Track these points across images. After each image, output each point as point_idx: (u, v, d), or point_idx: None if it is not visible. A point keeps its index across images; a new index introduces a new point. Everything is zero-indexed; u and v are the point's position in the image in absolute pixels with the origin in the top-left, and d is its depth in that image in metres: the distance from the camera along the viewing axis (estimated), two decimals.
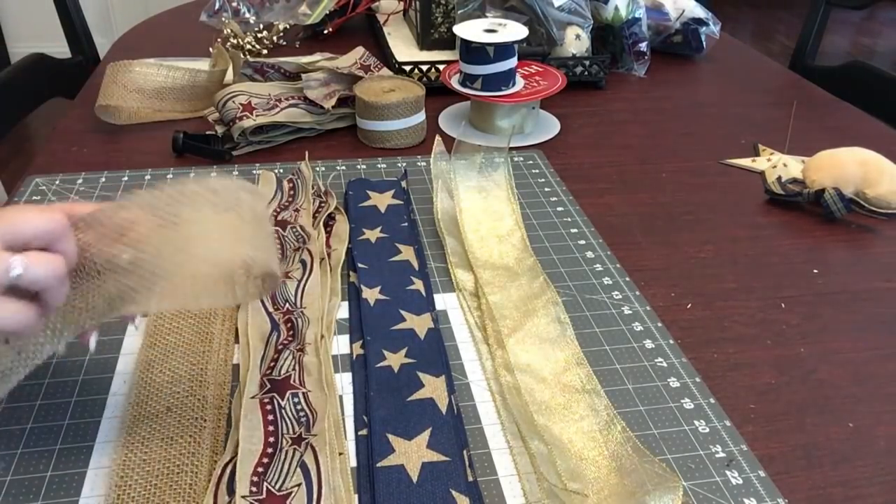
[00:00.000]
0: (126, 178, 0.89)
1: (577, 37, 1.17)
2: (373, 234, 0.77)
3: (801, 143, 1.01)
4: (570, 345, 0.64)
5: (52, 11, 1.40)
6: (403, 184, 0.87)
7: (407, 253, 0.75)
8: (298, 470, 0.50)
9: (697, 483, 0.52)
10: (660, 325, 0.67)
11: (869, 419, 0.58)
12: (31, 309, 0.43)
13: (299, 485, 0.49)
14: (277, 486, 0.49)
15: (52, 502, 0.50)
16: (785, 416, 0.58)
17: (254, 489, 0.49)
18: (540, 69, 1.07)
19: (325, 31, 1.35)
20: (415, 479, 0.51)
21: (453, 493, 0.50)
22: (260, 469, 0.50)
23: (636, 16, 1.23)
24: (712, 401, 0.59)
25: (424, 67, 1.13)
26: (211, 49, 1.18)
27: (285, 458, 0.51)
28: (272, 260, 0.48)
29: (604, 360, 0.63)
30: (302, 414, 0.55)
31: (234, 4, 1.37)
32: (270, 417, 0.54)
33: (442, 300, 0.70)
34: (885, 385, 0.62)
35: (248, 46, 1.28)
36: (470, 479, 0.52)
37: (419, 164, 0.94)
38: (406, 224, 0.79)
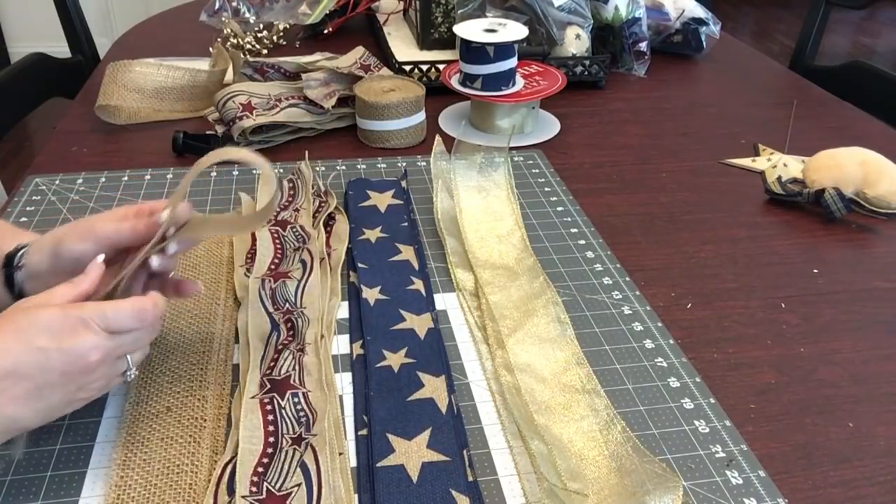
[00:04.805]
0: (126, 178, 0.89)
1: (577, 37, 1.17)
2: (373, 234, 0.77)
3: (801, 143, 1.01)
4: (570, 345, 0.64)
5: (52, 11, 1.40)
6: (403, 184, 0.87)
7: (407, 253, 0.75)
8: (298, 470, 0.50)
9: (697, 483, 0.52)
10: (660, 325, 0.67)
11: (869, 419, 0.58)
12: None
13: (299, 485, 0.49)
14: (277, 486, 0.49)
15: (52, 502, 0.50)
16: (785, 416, 0.58)
17: (254, 489, 0.49)
18: (540, 69, 1.07)
19: (325, 31, 1.35)
20: (415, 479, 0.51)
21: (453, 493, 0.50)
22: (260, 469, 0.50)
23: (636, 16, 1.23)
24: (712, 401, 0.59)
25: (424, 67, 1.13)
26: (211, 49, 1.18)
27: (285, 458, 0.51)
28: None
29: (604, 360, 0.63)
30: (302, 414, 0.55)
31: (234, 4, 1.37)
32: (270, 417, 0.54)
33: (442, 300, 0.70)
34: (885, 385, 0.62)
35: (248, 46, 1.28)
36: (470, 478, 0.52)
37: (419, 164, 0.94)
38: (406, 224, 0.79)
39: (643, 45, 1.24)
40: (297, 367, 0.59)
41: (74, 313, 0.48)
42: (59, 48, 1.39)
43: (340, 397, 0.59)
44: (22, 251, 0.58)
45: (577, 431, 0.56)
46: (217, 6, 1.38)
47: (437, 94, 1.09)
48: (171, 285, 0.59)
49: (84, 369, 0.48)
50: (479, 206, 0.82)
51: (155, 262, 0.55)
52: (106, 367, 0.50)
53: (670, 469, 0.53)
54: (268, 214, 0.60)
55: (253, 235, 0.75)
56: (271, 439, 0.53)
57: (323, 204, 0.80)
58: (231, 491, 0.49)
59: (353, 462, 0.53)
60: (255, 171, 0.90)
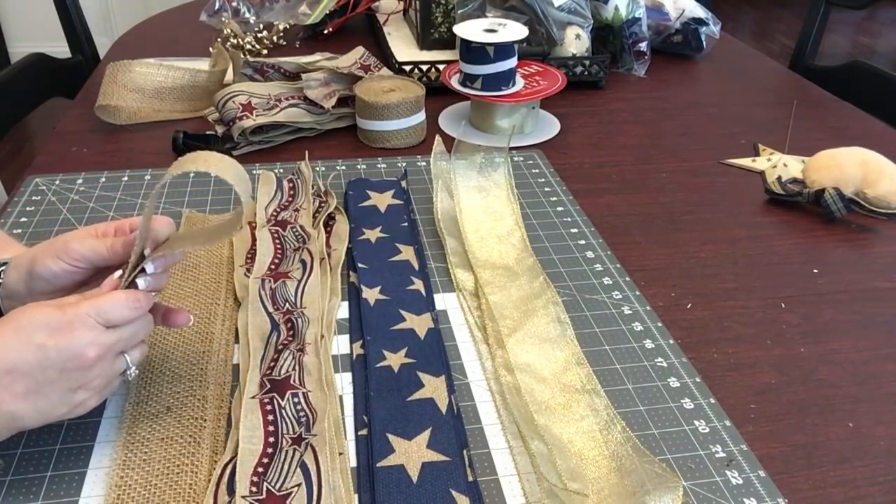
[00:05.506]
0: (126, 178, 0.89)
1: (577, 37, 1.17)
2: (373, 234, 0.77)
3: (801, 143, 1.01)
4: (570, 345, 0.64)
5: (52, 11, 1.40)
6: (403, 184, 0.87)
7: (407, 253, 0.75)
8: (298, 470, 0.50)
9: (697, 483, 0.52)
10: (660, 325, 0.67)
11: (869, 419, 0.58)
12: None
13: (299, 485, 0.49)
14: (277, 486, 0.49)
15: (52, 502, 0.50)
16: (785, 416, 0.58)
17: (254, 489, 0.49)
18: (540, 69, 1.07)
19: (325, 31, 1.35)
20: (415, 479, 0.51)
21: (453, 493, 0.50)
22: (260, 469, 0.50)
23: (636, 16, 1.23)
24: (712, 401, 0.59)
25: (424, 67, 1.13)
26: (211, 49, 1.18)
27: (285, 458, 0.51)
28: None
29: (604, 360, 0.63)
30: (302, 414, 0.55)
31: (234, 4, 1.37)
32: (270, 417, 0.54)
33: (442, 300, 0.70)
34: (885, 385, 0.62)
35: (248, 46, 1.28)
36: (470, 479, 0.52)
37: (419, 164, 0.94)
38: (406, 224, 0.79)
39: (643, 45, 1.24)
40: (297, 367, 0.59)
41: (72, 311, 0.49)
42: (59, 48, 1.39)
43: (340, 397, 0.59)
44: (2, 269, 0.57)
45: (577, 431, 0.56)
46: (217, 6, 1.38)
47: (437, 94, 1.09)
48: (158, 311, 0.56)
49: (82, 366, 0.48)
50: (479, 206, 0.82)
51: (141, 283, 0.53)
52: (104, 364, 0.50)
53: (670, 469, 0.53)
54: (240, 219, 0.56)
55: (253, 235, 0.75)
56: (271, 439, 0.53)
57: (323, 204, 0.80)
58: (231, 491, 0.49)
59: (353, 462, 0.53)
60: (254, 172, 0.90)
